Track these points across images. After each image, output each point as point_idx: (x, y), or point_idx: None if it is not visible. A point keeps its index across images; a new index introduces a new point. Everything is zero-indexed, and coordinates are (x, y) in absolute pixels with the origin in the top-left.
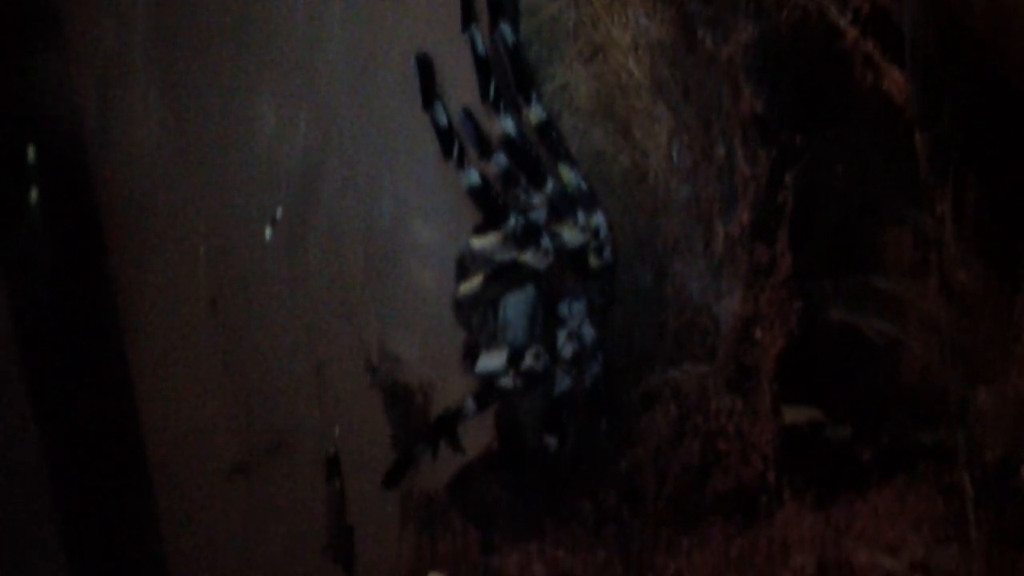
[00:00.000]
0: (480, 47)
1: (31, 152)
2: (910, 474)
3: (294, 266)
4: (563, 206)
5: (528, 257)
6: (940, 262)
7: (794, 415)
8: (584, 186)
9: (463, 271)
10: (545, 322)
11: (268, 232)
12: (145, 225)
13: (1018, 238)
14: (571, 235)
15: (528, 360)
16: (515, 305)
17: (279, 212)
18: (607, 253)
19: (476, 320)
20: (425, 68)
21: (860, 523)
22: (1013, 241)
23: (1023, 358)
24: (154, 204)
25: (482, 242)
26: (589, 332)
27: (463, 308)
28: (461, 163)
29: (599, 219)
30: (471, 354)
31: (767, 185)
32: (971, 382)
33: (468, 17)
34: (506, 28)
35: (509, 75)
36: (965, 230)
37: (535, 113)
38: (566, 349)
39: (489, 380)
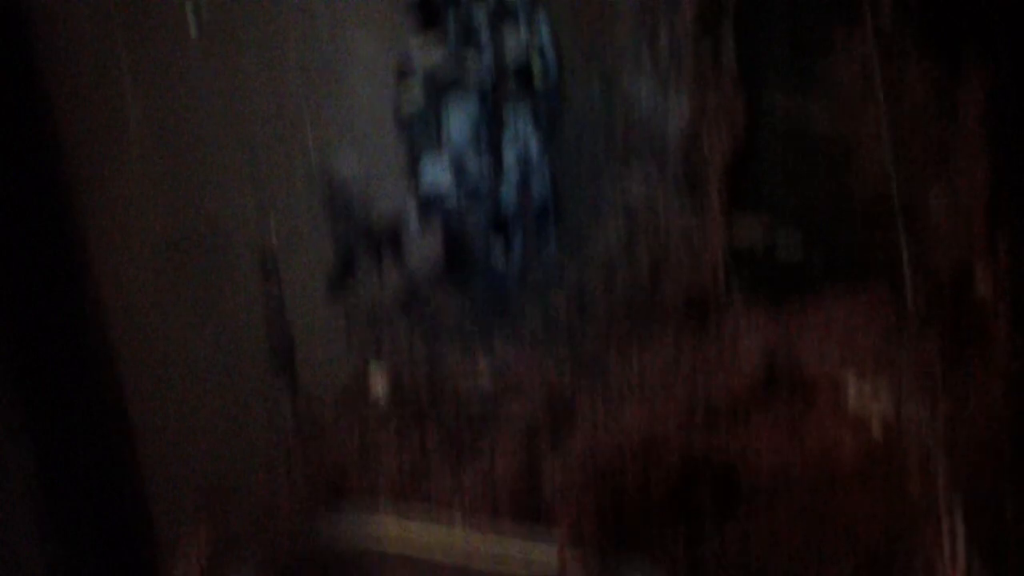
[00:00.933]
0: None
1: None
2: (861, 282)
3: (221, 66)
4: (505, 13)
5: (469, 66)
6: (888, 55)
7: (744, 226)
8: None
9: (403, 78)
10: (490, 134)
11: (193, 28)
12: None
13: (962, 25)
14: (514, 43)
15: (473, 172)
16: (459, 117)
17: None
18: (551, 61)
19: (419, 133)
20: None
21: (812, 329)
22: (957, 28)
23: (967, 156)
24: None
25: (421, 48)
26: (535, 144)
27: (404, 121)
28: None
29: (542, 27)
30: (414, 167)
31: None
32: (921, 183)
33: None
34: None
35: None
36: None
37: None
38: (512, 160)
39: (433, 193)
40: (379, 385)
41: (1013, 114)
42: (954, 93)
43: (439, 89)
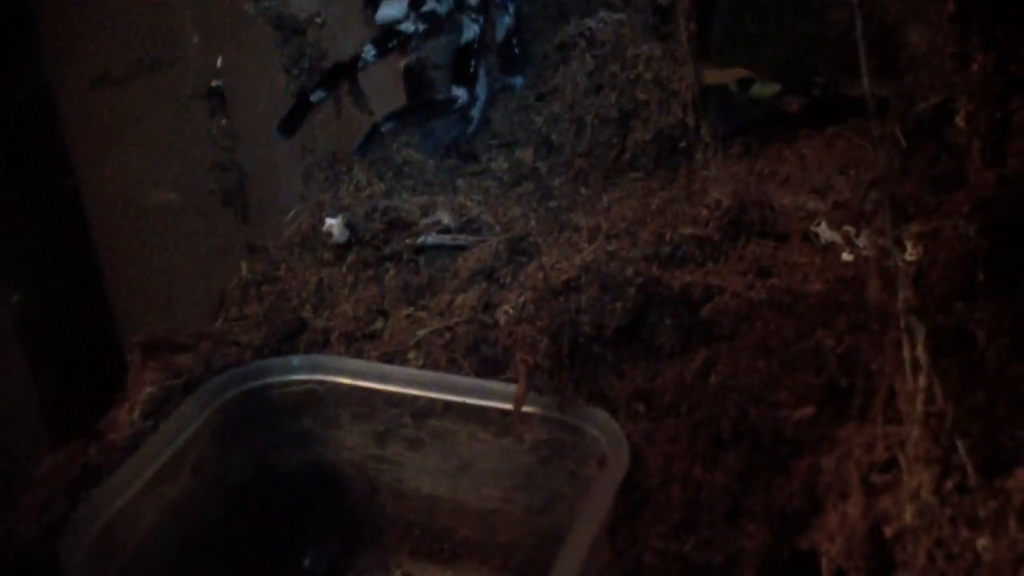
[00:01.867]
0: None
1: None
2: (840, 125)
3: None
4: None
5: None
6: None
7: (719, 75)
8: None
9: None
10: None
11: None
12: None
13: None
14: None
15: (430, 3)
16: None
17: None
18: None
19: None
20: None
21: (785, 169)
22: None
23: None
24: None
25: None
26: None
27: None
28: None
29: None
30: (371, 2)
31: None
32: (901, 21)
33: None
34: None
35: None
36: None
37: None
38: None
39: (390, 25)
40: (336, 228)
41: None
42: None
43: None
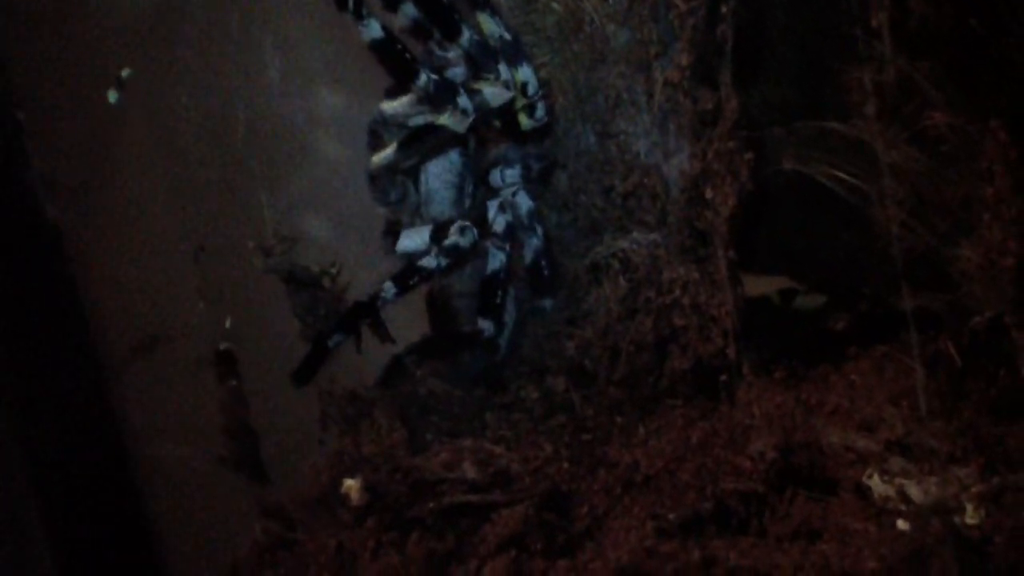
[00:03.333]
0: None
1: None
2: (890, 344)
3: (155, 132)
4: (483, 60)
5: (445, 119)
6: (893, 97)
7: (760, 285)
8: (508, 36)
9: (376, 139)
10: (474, 192)
11: (112, 95)
12: None
13: (983, 66)
14: (493, 92)
15: (453, 236)
16: (439, 175)
17: (125, 72)
18: (540, 112)
19: (395, 194)
20: None
21: (833, 399)
22: (979, 69)
23: (995, 203)
24: None
25: (393, 106)
26: (525, 202)
27: (379, 181)
28: (359, 14)
29: (526, 73)
30: (391, 232)
31: (705, 20)
32: (951, 237)
33: None
34: None
35: None
36: (919, 57)
37: None
38: (498, 222)
39: (410, 260)
40: (355, 491)
41: None
42: (979, 142)
43: (413, 143)
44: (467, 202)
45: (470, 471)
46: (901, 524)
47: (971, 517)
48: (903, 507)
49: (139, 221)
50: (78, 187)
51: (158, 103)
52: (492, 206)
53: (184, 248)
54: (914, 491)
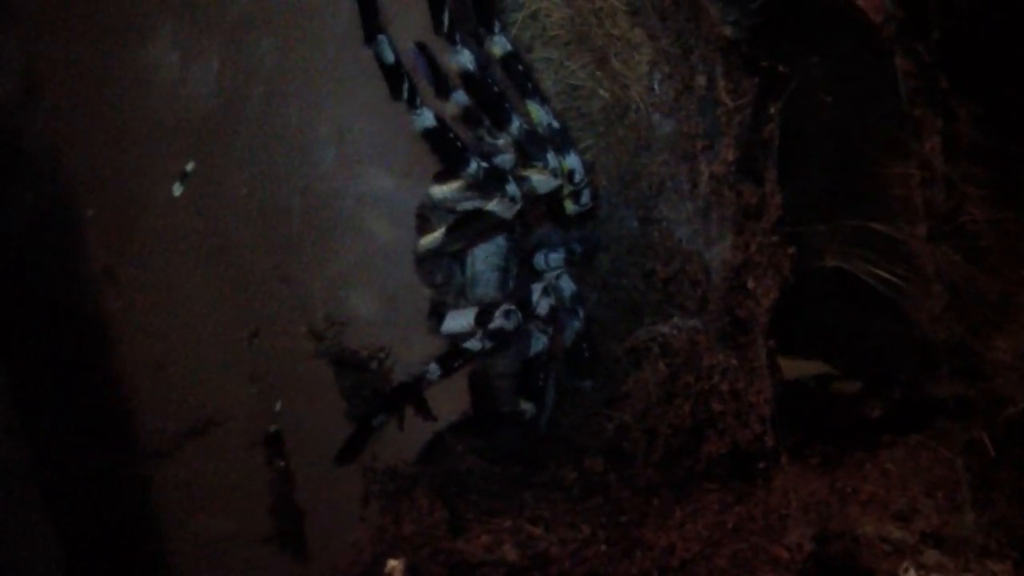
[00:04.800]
0: None
1: None
2: (924, 432)
3: (212, 224)
4: (532, 147)
5: (494, 205)
6: (940, 202)
7: (796, 369)
8: (556, 124)
9: (424, 223)
10: (518, 275)
11: (177, 188)
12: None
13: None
14: (541, 180)
15: (498, 319)
16: (484, 258)
17: (190, 166)
18: (585, 197)
19: (441, 276)
20: None
21: (868, 487)
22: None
23: None
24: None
25: (442, 190)
26: (568, 285)
27: (426, 263)
28: (413, 103)
29: (573, 161)
30: (436, 313)
31: (751, 118)
32: (986, 330)
33: None
34: None
35: (467, 2)
36: (964, 166)
37: (498, 44)
38: (542, 305)
39: (456, 341)
40: (398, 572)
41: None
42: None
43: (461, 228)
44: (511, 284)
45: (510, 554)
46: None
47: None
48: None
49: (196, 311)
50: (136, 279)
51: (216, 195)
52: (536, 289)
53: (238, 335)
54: None
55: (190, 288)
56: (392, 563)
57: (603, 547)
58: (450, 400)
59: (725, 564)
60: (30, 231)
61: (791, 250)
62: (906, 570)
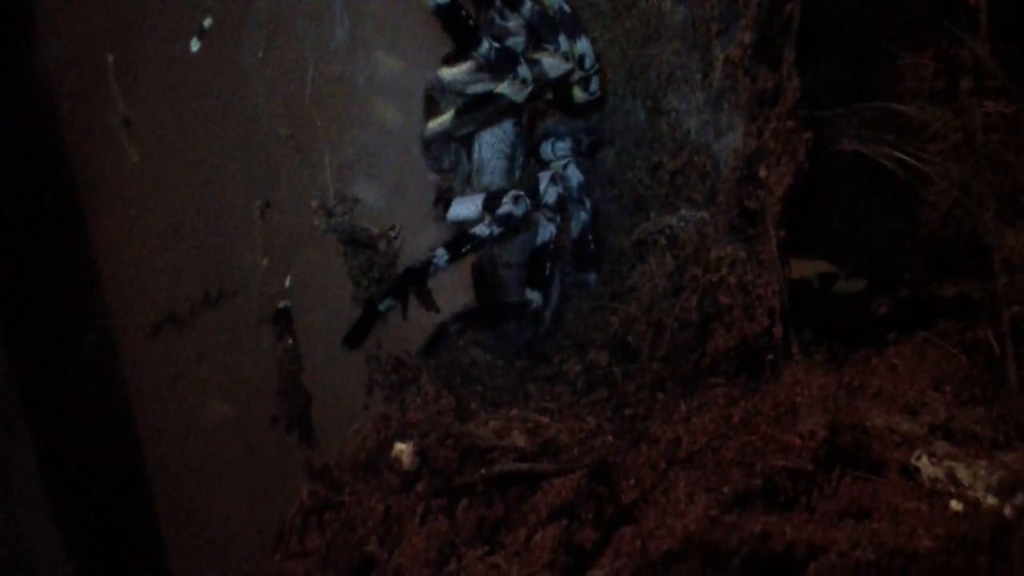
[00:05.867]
0: None
1: None
2: (931, 330)
3: (228, 87)
4: (543, 30)
5: (504, 88)
6: (972, 76)
7: (802, 268)
8: (567, 9)
9: (432, 105)
10: (525, 163)
11: (195, 43)
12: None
13: None
14: (552, 63)
15: (507, 205)
16: (492, 144)
17: (207, 21)
18: (594, 85)
19: (448, 161)
20: None
21: (876, 382)
22: None
23: None
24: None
25: (452, 72)
26: (575, 175)
27: (433, 147)
28: None
29: (584, 46)
30: (443, 198)
31: None
32: (1000, 223)
33: None
34: None
35: None
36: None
37: None
38: (549, 193)
39: (463, 227)
40: (407, 456)
41: None
42: None
43: (470, 111)
44: (518, 173)
45: (520, 440)
46: (955, 504)
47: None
48: (953, 488)
49: (211, 172)
50: (153, 132)
51: (234, 57)
52: (543, 178)
53: (252, 204)
54: (963, 474)
55: (205, 146)
56: (400, 446)
57: (610, 438)
58: (455, 291)
59: (733, 456)
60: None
61: (807, 135)
62: (919, 458)
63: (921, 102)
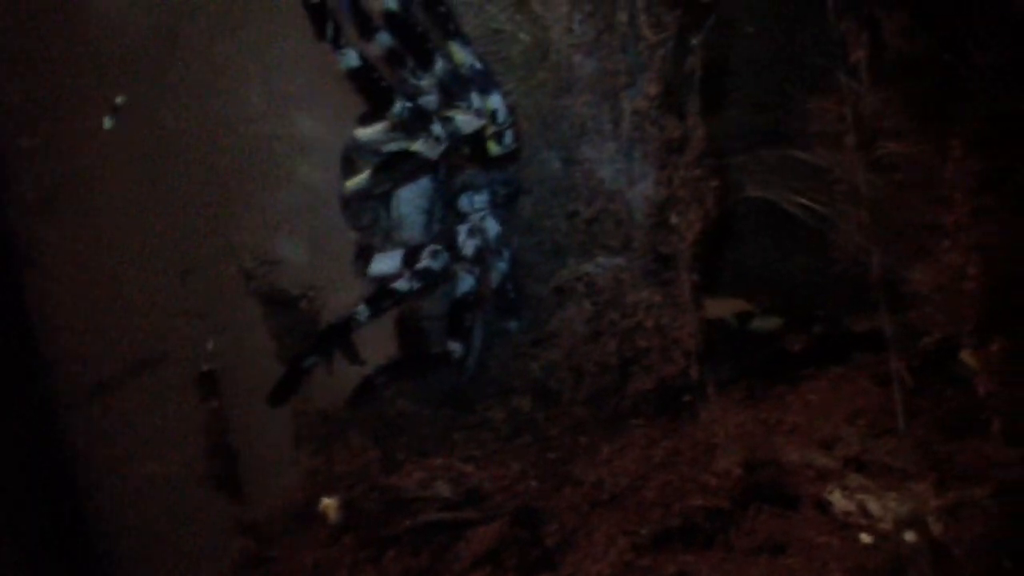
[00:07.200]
0: None
1: None
2: (844, 364)
3: (145, 160)
4: (455, 88)
5: (419, 146)
6: (863, 127)
7: (717, 307)
8: (479, 65)
9: (350, 165)
10: (444, 217)
11: (107, 121)
12: None
13: (947, 94)
14: (465, 120)
15: (425, 259)
16: (410, 200)
17: (120, 99)
18: (508, 139)
19: (367, 218)
20: None
21: (791, 418)
22: (942, 98)
23: (954, 230)
24: None
25: (368, 132)
26: (493, 226)
27: (352, 205)
28: (338, 43)
29: (496, 101)
30: (363, 255)
31: (674, 52)
32: (904, 261)
33: None
34: None
35: None
36: (886, 88)
37: None
38: (468, 246)
39: (383, 283)
40: (332, 510)
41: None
42: (940, 169)
43: (387, 169)
44: (437, 227)
45: (443, 489)
46: (865, 538)
47: (933, 530)
48: (864, 521)
49: (131, 246)
50: (72, 211)
51: (149, 128)
52: (461, 231)
53: (171, 270)
54: (874, 506)
55: (125, 222)
56: (326, 501)
57: (533, 483)
58: (378, 344)
59: (654, 496)
60: None
61: (715, 183)
62: (832, 492)
63: (822, 147)
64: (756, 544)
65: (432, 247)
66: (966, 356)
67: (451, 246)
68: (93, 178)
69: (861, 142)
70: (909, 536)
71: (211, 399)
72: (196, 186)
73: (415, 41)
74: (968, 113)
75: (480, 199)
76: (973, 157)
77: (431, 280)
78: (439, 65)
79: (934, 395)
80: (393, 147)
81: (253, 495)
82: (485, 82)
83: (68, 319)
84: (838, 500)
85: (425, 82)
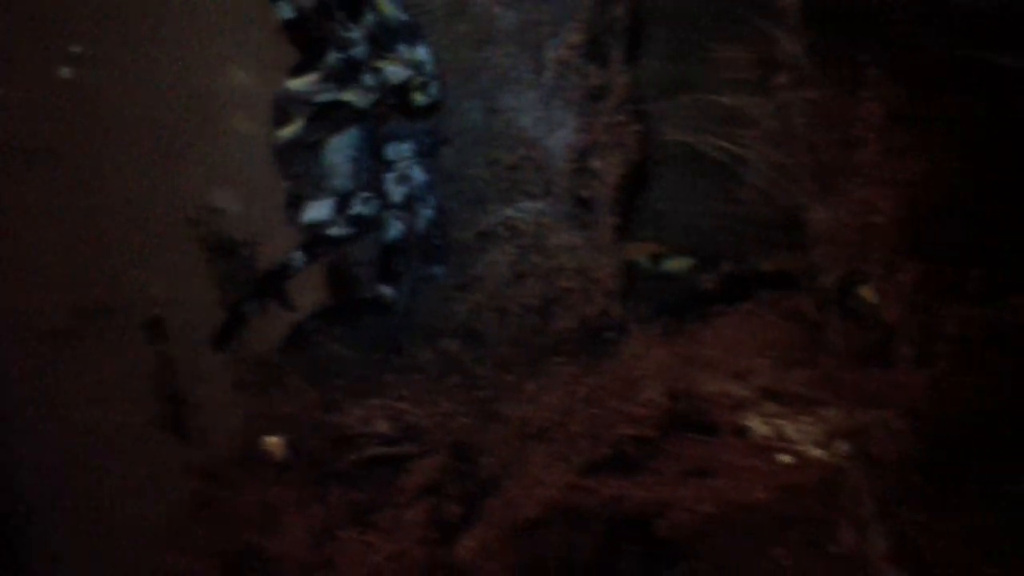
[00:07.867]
0: None
1: None
2: (753, 301)
3: (99, 110)
4: (384, 39)
5: (350, 96)
6: (778, 71)
7: (632, 251)
8: (405, 17)
9: (282, 115)
10: (370, 166)
11: (65, 70)
12: None
13: (861, 40)
14: (394, 70)
15: (357, 206)
16: (339, 149)
17: (76, 48)
18: (433, 89)
19: (298, 167)
20: None
21: (707, 352)
22: (855, 45)
23: (864, 169)
24: None
25: (300, 83)
26: (419, 174)
27: (283, 155)
28: None
29: (422, 52)
30: (295, 203)
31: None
32: (812, 199)
33: None
34: None
35: None
36: (806, 33)
37: None
38: (396, 193)
39: (317, 229)
40: (278, 448)
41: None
42: (852, 110)
43: (319, 119)
44: (364, 176)
45: (383, 426)
46: (784, 459)
47: (841, 451)
48: (783, 444)
49: (86, 190)
50: (17, 161)
51: (96, 80)
52: (389, 178)
53: (120, 218)
54: (790, 430)
55: (84, 167)
56: (271, 440)
57: (465, 420)
58: (310, 291)
59: (582, 428)
60: None
61: (636, 127)
62: (750, 419)
63: (738, 92)
64: (684, 469)
65: (363, 194)
66: (864, 291)
67: (380, 193)
68: (43, 129)
69: (776, 85)
70: (844, 448)
71: (159, 344)
72: (141, 137)
73: None
74: (885, 56)
75: (405, 148)
76: (885, 97)
77: (364, 226)
78: (368, 17)
79: (838, 328)
80: (325, 97)
81: (201, 438)
82: (412, 34)
83: (25, 264)
84: (757, 426)
85: (355, 34)
